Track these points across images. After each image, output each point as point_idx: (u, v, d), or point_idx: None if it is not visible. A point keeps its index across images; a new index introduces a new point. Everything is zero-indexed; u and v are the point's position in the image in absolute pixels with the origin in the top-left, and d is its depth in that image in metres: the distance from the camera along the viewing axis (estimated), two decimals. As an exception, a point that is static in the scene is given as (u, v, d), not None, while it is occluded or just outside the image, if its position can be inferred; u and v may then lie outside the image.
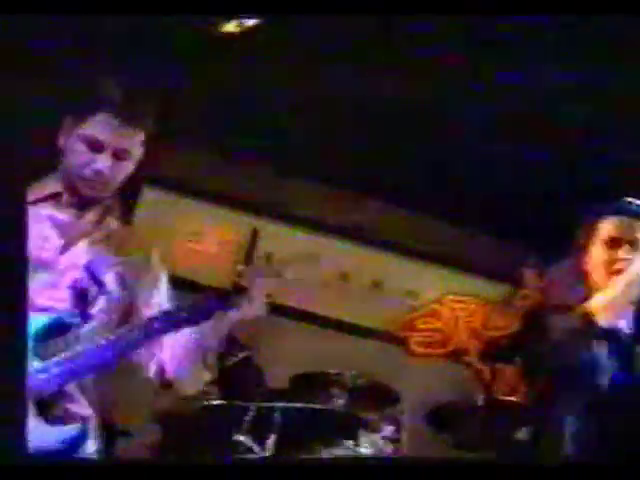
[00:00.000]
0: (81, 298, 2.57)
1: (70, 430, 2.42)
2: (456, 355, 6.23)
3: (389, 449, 4.56)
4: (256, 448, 4.36)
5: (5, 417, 1.85)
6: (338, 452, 4.33)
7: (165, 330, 2.52)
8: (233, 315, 2.53)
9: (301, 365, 4.86)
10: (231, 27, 4.60)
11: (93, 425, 2.58)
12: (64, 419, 2.45)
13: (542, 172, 5.50)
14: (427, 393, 5.27)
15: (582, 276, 3.08)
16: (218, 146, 5.74)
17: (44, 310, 2.50)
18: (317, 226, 6.13)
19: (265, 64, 4.88)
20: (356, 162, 5.67)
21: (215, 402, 4.57)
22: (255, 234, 6.00)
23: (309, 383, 4.68)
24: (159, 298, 2.72)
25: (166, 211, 5.96)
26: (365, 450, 4.39)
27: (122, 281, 2.65)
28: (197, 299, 2.56)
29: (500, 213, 5.88)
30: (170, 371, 2.64)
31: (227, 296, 2.52)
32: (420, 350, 6.24)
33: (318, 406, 4.49)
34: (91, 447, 2.55)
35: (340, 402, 4.53)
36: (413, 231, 6.25)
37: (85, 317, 2.57)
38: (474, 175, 5.66)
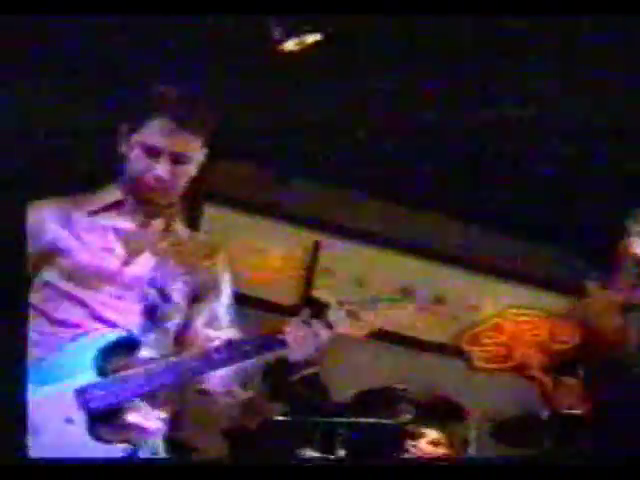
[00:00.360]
0: (150, 315, 2.58)
1: (119, 450, 2.43)
2: (520, 369, 6.17)
3: (439, 453, 4.60)
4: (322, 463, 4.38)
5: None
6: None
7: (227, 362, 2.50)
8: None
9: (367, 380, 4.86)
10: (291, 45, 4.62)
11: (159, 437, 2.60)
12: (118, 434, 2.46)
13: (603, 183, 5.46)
14: (492, 408, 5.23)
15: (635, 260, 3.11)
16: (277, 161, 5.78)
17: (108, 323, 2.53)
18: (378, 241, 6.14)
19: (325, 81, 4.91)
20: (416, 176, 5.66)
21: (281, 418, 4.60)
22: (316, 249, 6.01)
23: (376, 398, 4.68)
24: (222, 311, 2.71)
25: (226, 227, 5.97)
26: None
27: (188, 294, 2.64)
28: (260, 334, 2.53)
29: (560, 224, 5.84)
30: (209, 383, 2.63)
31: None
32: (484, 365, 6.17)
33: (385, 421, 4.51)
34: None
35: (407, 417, 4.51)
36: (474, 245, 6.22)
37: (152, 335, 2.58)
38: (533, 188, 5.64)
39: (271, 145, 5.51)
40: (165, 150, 2.53)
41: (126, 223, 2.64)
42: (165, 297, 2.59)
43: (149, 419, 2.56)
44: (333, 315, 2.48)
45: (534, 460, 4.31)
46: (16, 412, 2.17)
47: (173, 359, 2.52)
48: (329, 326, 2.46)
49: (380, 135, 5.34)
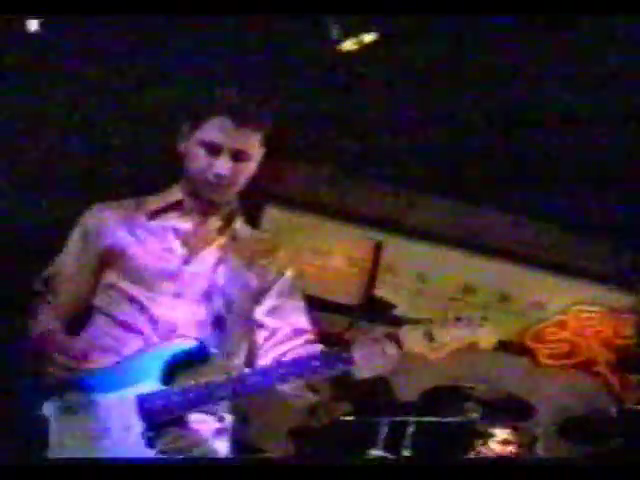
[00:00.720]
0: (217, 325, 2.56)
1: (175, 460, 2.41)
2: (585, 366, 6.12)
3: (508, 451, 4.58)
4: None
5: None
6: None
7: (293, 378, 2.45)
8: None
9: (432, 378, 4.83)
10: (349, 44, 4.61)
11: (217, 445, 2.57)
12: (175, 444, 2.45)
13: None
14: (559, 405, 5.19)
15: None
16: (340, 162, 5.78)
17: (171, 328, 2.53)
18: (441, 239, 6.11)
19: (385, 78, 4.91)
20: (481, 174, 5.63)
21: (348, 417, 4.59)
22: (379, 248, 5.99)
23: (442, 397, 4.65)
24: (282, 304, 2.69)
25: (290, 229, 5.98)
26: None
27: (248, 290, 2.63)
28: (328, 351, 2.50)
29: (627, 221, 5.78)
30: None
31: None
32: (549, 361, 6.14)
33: (451, 419, 4.48)
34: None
35: (474, 416, 4.48)
36: (539, 242, 6.16)
37: (219, 346, 2.55)
38: (597, 184, 5.58)
39: (331, 145, 5.52)
40: (225, 147, 2.54)
41: (185, 223, 2.65)
42: (226, 295, 2.58)
43: (209, 428, 2.55)
44: (406, 334, 2.38)
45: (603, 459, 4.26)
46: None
47: (237, 373, 2.51)
48: (399, 345, 2.37)
49: (442, 133, 5.33)
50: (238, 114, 2.53)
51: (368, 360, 2.37)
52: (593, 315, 6.23)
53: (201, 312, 2.56)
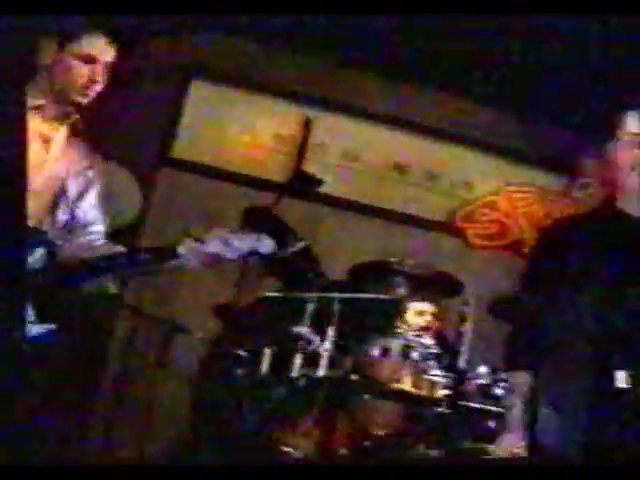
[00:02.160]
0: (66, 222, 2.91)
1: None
2: (515, 247, 6.12)
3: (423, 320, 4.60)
4: (315, 339, 4.32)
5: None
6: (395, 342, 4.28)
7: (126, 268, 2.83)
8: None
9: (360, 256, 4.76)
10: None
11: None
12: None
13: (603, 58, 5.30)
14: (489, 284, 5.16)
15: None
16: (269, 34, 5.60)
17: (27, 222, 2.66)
18: (371, 116, 6.01)
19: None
20: (413, 49, 5.49)
21: (273, 294, 4.53)
22: (308, 125, 5.89)
23: (369, 272, 4.59)
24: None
25: (217, 104, 5.86)
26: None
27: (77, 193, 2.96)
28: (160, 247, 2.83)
29: (559, 100, 5.70)
30: None
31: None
32: (479, 242, 6.13)
33: (378, 296, 4.42)
34: None
35: (401, 291, 4.43)
36: (470, 120, 6.08)
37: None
38: (534, 64, 5.48)
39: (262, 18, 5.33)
40: (100, 59, 2.87)
41: (45, 128, 2.88)
42: (72, 197, 2.93)
43: None
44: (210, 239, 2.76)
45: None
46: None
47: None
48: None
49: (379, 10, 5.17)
50: (110, 33, 2.88)
51: (190, 254, 2.74)
52: (524, 196, 6.21)
53: (55, 209, 2.87)
